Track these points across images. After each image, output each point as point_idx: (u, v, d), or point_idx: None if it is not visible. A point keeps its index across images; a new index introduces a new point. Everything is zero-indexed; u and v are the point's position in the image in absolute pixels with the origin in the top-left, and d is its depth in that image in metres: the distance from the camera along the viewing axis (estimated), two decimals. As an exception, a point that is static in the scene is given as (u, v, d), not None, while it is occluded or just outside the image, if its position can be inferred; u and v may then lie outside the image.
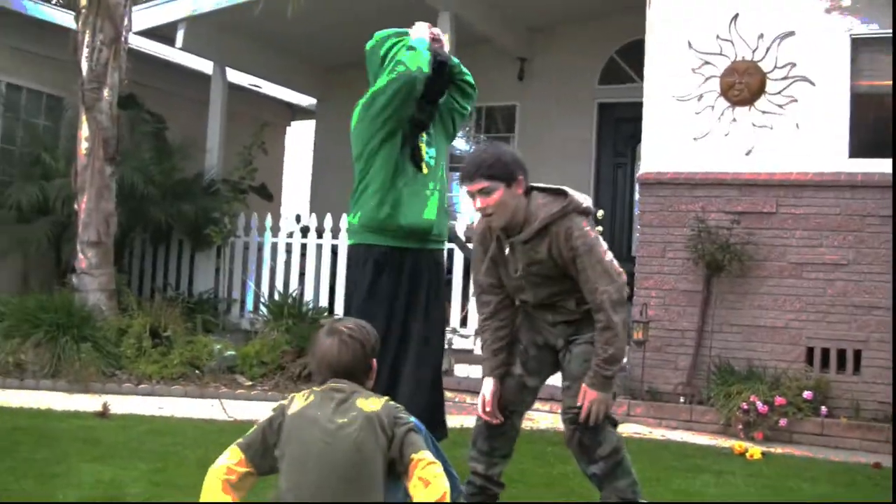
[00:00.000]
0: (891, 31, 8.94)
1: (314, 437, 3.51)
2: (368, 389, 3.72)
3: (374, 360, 3.80)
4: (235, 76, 14.87)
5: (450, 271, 10.72)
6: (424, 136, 5.51)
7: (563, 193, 4.73)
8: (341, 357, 3.69)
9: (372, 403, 3.59)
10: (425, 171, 5.43)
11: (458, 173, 7.92)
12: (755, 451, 7.59)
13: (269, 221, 12.28)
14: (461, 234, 10.66)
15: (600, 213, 12.88)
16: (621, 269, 4.68)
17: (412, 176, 5.36)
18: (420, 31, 5.44)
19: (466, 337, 10.68)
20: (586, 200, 4.75)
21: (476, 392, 8.76)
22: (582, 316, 4.78)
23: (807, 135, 9.22)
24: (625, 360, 4.74)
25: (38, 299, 10.00)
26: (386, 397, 3.70)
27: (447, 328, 10.12)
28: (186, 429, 7.45)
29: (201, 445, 6.63)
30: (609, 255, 4.65)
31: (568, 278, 4.71)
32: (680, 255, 9.48)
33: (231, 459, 3.60)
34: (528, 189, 4.75)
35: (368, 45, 5.63)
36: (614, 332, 4.58)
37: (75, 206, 10.63)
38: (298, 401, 3.64)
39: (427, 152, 5.47)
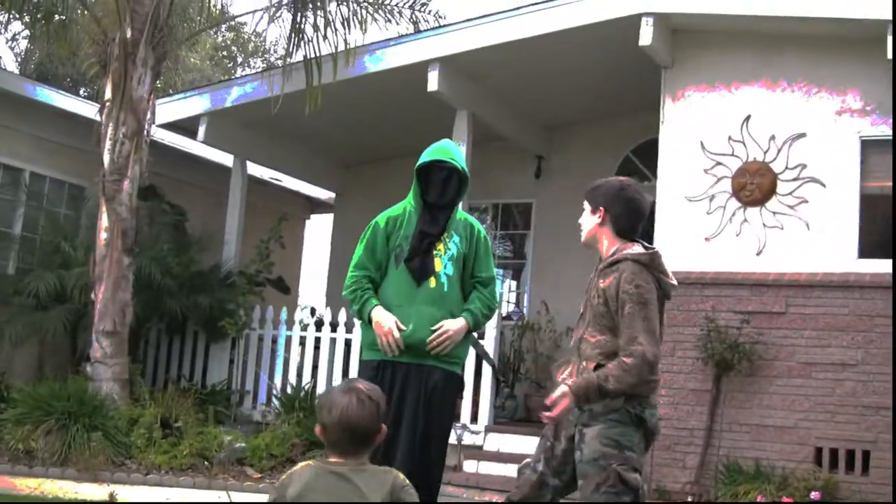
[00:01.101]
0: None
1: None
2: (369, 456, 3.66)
3: (384, 426, 3.67)
4: (256, 169, 15.07)
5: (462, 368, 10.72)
6: (443, 249, 5.54)
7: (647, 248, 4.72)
8: (361, 416, 3.56)
9: (373, 484, 3.53)
10: (432, 284, 5.46)
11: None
12: (761, 552, 7.55)
13: (283, 314, 12.36)
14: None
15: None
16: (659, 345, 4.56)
17: (411, 291, 5.40)
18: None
19: (476, 433, 10.67)
20: (654, 256, 4.66)
21: (485, 488, 8.74)
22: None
23: (817, 235, 9.29)
24: (619, 401, 4.52)
25: (50, 387, 10.04)
26: (388, 469, 3.67)
27: (457, 424, 10.14)
28: (192, 519, 7.45)
29: (204, 535, 6.64)
30: (657, 324, 4.56)
31: (610, 330, 4.61)
32: (690, 354, 9.50)
33: None
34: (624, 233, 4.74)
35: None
36: (636, 365, 4.42)
37: (92, 296, 10.73)
38: (297, 480, 3.55)
39: (444, 266, 5.50)
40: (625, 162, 13.57)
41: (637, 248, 4.65)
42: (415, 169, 5.59)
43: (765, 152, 9.65)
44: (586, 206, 4.85)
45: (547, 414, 4.57)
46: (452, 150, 5.70)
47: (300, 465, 3.63)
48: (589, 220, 4.82)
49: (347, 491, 3.50)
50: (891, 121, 9.15)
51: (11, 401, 10.23)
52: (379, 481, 3.54)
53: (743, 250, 9.59)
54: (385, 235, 5.55)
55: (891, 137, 9.16)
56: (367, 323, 5.45)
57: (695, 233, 9.78)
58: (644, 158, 12.90)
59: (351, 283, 5.56)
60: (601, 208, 4.75)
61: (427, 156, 5.59)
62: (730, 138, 9.83)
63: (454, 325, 5.39)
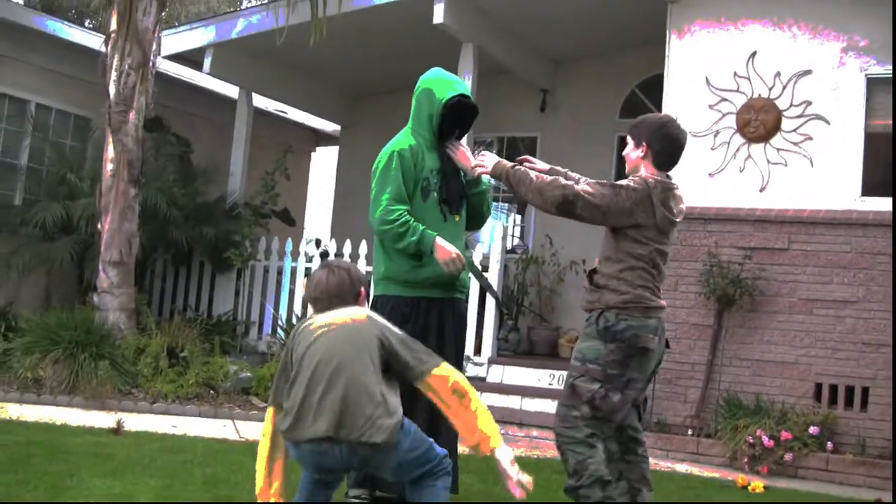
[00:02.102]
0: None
1: (316, 335, 4.40)
2: None
3: (363, 289, 4.65)
4: (261, 101, 15.07)
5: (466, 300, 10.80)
6: (462, 174, 5.62)
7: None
8: (329, 282, 4.57)
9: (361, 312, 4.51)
10: (457, 218, 5.50)
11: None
12: (758, 484, 7.65)
13: (289, 246, 12.42)
14: (477, 263, 10.75)
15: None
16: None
17: (438, 224, 5.43)
18: None
19: (480, 365, 10.77)
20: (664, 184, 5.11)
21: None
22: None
23: (820, 173, 9.32)
24: (523, 191, 5.14)
25: (58, 317, 10.14)
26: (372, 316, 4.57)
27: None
28: (197, 447, 7.55)
29: (210, 464, 6.74)
30: (608, 199, 4.95)
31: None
32: (692, 289, 9.57)
33: (268, 419, 4.54)
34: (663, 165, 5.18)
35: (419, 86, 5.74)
36: (554, 187, 4.99)
37: (98, 226, 10.79)
38: (302, 325, 4.54)
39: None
40: (630, 97, 13.55)
41: (660, 178, 5.05)
42: (444, 103, 5.54)
43: (770, 89, 9.64)
44: (629, 140, 5.20)
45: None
46: (461, 81, 5.74)
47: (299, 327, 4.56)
48: (633, 154, 5.17)
49: (342, 334, 4.38)
50: (897, 58, 9.15)
51: (19, 330, 10.36)
52: (370, 325, 4.43)
53: (746, 186, 9.61)
54: (412, 165, 5.50)
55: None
56: (429, 254, 5.37)
57: (698, 168, 9.79)
58: (649, 93, 12.86)
59: (396, 216, 5.41)
60: (644, 143, 5.11)
61: (450, 89, 5.57)
62: (735, 74, 9.81)
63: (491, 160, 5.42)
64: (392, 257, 5.41)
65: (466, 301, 5.64)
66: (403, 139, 5.63)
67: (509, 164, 5.23)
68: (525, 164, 5.55)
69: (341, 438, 4.18)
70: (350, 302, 4.57)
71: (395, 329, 4.50)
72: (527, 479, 4.20)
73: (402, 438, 4.26)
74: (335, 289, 4.55)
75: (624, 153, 5.29)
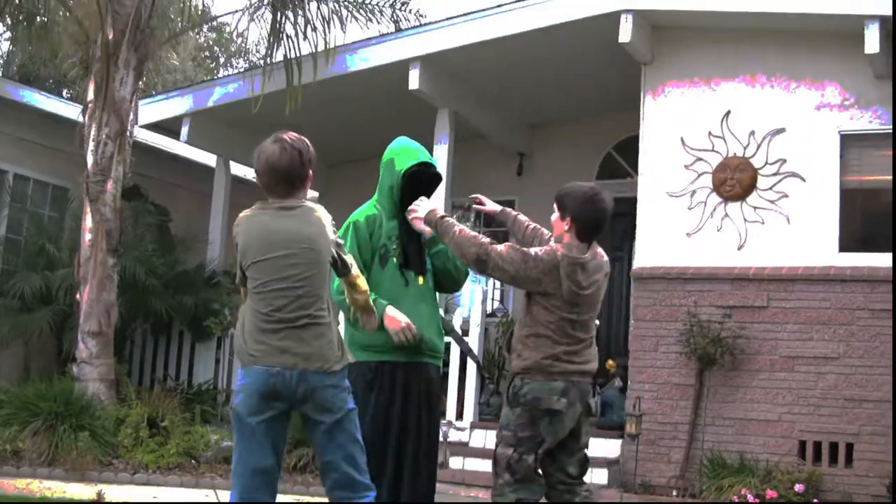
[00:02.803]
0: (879, 126, 9.14)
1: (275, 225, 4.38)
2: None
3: (311, 171, 4.56)
4: (239, 169, 15.08)
5: (446, 364, 10.77)
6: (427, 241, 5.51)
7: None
8: (281, 161, 4.42)
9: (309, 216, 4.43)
10: (420, 282, 5.39)
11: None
12: (745, 543, 7.61)
13: (268, 313, 12.35)
14: (457, 328, 10.72)
15: (596, 308, 12.97)
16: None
17: (400, 290, 5.32)
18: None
19: (462, 430, 10.72)
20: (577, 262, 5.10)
21: (471, 485, 8.80)
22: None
23: (797, 229, 9.38)
24: (446, 241, 5.25)
25: (37, 388, 10.06)
26: (318, 206, 4.53)
27: (443, 421, 10.18)
28: (179, 517, 7.48)
29: (193, 533, 6.68)
30: (518, 265, 5.04)
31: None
32: (673, 349, 9.57)
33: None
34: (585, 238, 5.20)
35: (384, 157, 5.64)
36: (476, 246, 5.09)
37: (77, 296, 10.75)
38: (246, 213, 4.47)
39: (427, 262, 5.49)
40: (606, 158, 13.63)
41: (573, 249, 5.09)
42: (403, 173, 5.50)
43: (745, 147, 9.73)
44: (556, 208, 5.23)
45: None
46: (424, 150, 5.69)
47: (241, 214, 4.48)
48: (558, 223, 5.22)
49: (285, 219, 4.36)
50: (871, 115, 9.26)
51: (-2, 402, 10.26)
52: (316, 213, 4.43)
53: (724, 245, 9.66)
54: (367, 234, 5.44)
55: (870, 131, 9.27)
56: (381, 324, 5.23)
57: (676, 228, 9.86)
58: (626, 154, 12.93)
59: None
60: (568, 216, 5.14)
61: (411, 158, 5.50)
62: (710, 134, 9.90)
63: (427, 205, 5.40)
64: (354, 323, 5.32)
65: (439, 365, 5.54)
66: (364, 209, 5.53)
67: (440, 213, 5.26)
68: (475, 204, 5.71)
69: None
70: (298, 184, 4.50)
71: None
72: None
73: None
74: (287, 168, 4.47)
75: (552, 219, 5.29)
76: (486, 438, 10.62)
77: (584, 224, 5.12)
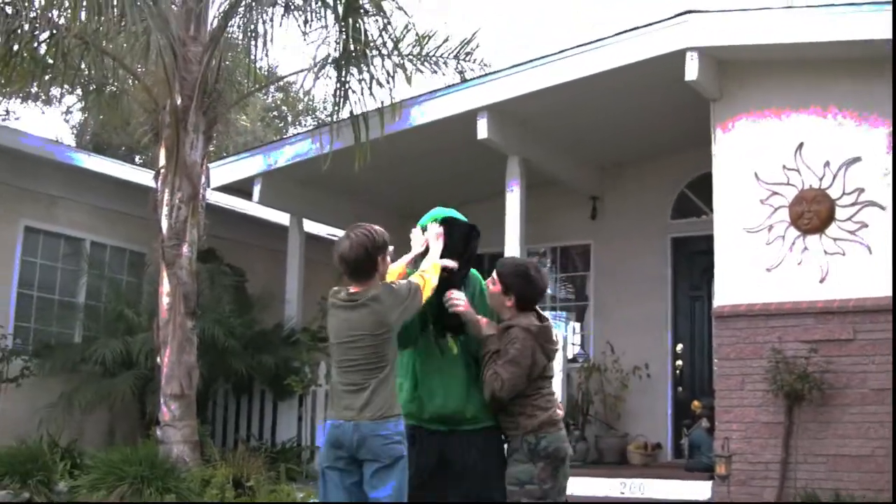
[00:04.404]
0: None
1: (344, 316, 4.95)
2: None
3: (380, 258, 4.99)
4: (313, 226, 15.16)
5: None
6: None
7: None
8: (349, 254, 4.92)
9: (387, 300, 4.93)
10: (455, 349, 5.28)
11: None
12: (846, 584, 7.42)
13: (348, 368, 12.35)
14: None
15: (679, 347, 12.85)
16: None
17: (436, 356, 5.25)
18: None
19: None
20: (542, 329, 5.40)
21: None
22: None
23: (880, 259, 9.19)
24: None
25: (122, 452, 10.12)
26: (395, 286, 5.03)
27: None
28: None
29: None
30: (518, 376, 5.24)
31: None
32: (759, 387, 9.40)
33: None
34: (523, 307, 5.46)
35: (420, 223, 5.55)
36: (499, 379, 5.22)
37: (158, 360, 10.82)
38: (330, 300, 5.07)
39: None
40: (680, 197, 13.53)
41: (530, 319, 5.34)
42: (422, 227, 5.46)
43: (820, 179, 9.59)
44: (495, 277, 5.45)
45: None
46: (449, 211, 5.55)
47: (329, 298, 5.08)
48: (496, 294, 5.44)
49: (351, 311, 4.94)
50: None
51: (84, 467, 10.33)
52: (392, 297, 4.93)
53: (806, 279, 9.50)
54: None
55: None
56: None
57: (756, 264, 9.72)
58: (699, 192, 12.83)
59: None
60: (507, 292, 5.38)
61: (429, 219, 5.48)
62: (784, 167, 9.78)
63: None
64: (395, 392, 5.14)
65: (482, 432, 5.39)
66: (398, 265, 5.48)
67: (486, 334, 5.37)
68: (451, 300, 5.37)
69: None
70: (367, 274, 4.97)
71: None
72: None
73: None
74: (353, 257, 4.93)
75: (490, 289, 5.46)
76: (573, 485, 10.45)
77: (522, 296, 5.39)
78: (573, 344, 14.54)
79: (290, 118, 30.30)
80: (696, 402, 11.17)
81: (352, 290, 5.00)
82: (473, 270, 5.57)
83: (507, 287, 5.38)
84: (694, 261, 13.53)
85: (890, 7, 8.93)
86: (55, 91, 18.83)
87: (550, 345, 5.41)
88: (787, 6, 10.04)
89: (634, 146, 13.37)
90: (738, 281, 9.83)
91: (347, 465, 4.87)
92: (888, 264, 9.13)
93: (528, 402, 5.31)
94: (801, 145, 9.72)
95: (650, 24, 10.31)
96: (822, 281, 9.43)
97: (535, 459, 5.22)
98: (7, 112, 24.67)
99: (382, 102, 11.61)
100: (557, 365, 10.66)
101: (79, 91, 14.13)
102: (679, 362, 13.12)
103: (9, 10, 10.67)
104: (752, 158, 9.97)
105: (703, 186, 12.12)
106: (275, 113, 30.01)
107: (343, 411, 4.88)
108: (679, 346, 13.14)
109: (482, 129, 11.29)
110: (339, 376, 4.99)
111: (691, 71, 9.88)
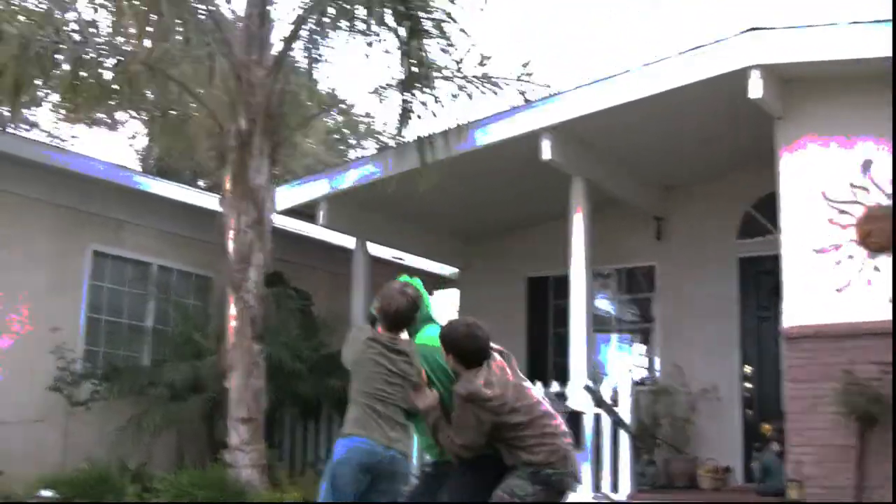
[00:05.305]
0: None
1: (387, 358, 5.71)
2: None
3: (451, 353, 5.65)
4: (377, 249, 15.18)
5: (599, 433, 10.71)
6: None
7: None
8: (407, 311, 5.76)
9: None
10: None
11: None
12: None
13: (412, 391, 12.35)
14: (606, 398, 10.58)
15: (748, 369, 12.70)
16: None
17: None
18: None
19: (619, 502, 10.49)
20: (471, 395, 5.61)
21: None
22: None
23: (951, 278, 9.03)
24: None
25: (191, 475, 10.21)
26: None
27: (599, 493, 10.05)
28: None
29: None
30: (468, 432, 5.63)
31: None
32: (830, 410, 9.23)
33: None
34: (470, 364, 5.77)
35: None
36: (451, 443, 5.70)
37: (226, 384, 10.89)
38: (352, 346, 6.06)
39: None
40: (745, 217, 13.38)
41: (470, 379, 5.61)
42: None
43: (889, 196, 9.44)
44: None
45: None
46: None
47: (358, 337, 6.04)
48: (447, 358, 5.78)
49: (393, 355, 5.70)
50: None
51: (154, 491, 10.42)
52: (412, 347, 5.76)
53: (876, 299, 9.34)
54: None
55: None
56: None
57: (824, 284, 9.59)
58: (765, 212, 12.66)
59: None
60: (449, 354, 5.75)
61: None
62: (851, 185, 9.65)
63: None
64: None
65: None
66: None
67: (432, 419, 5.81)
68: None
69: None
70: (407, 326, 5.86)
71: None
72: None
73: None
74: (405, 314, 5.81)
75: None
76: (640, 509, 10.41)
77: (463, 355, 5.70)
78: (640, 367, 14.44)
79: (352, 141, 30.41)
80: (765, 425, 11.03)
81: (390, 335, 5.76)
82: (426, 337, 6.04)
83: (447, 350, 5.74)
84: (761, 281, 13.36)
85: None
86: (120, 116, 19.10)
87: (484, 402, 5.54)
88: (853, 21, 9.89)
89: (699, 165, 13.25)
90: (806, 301, 9.71)
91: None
92: (961, 284, 8.98)
93: (538, 439, 5.59)
94: (868, 163, 9.59)
95: (715, 42, 10.22)
96: (892, 301, 9.28)
97: (535, 482, 5.52)
98: (73, 137, 25.01)
99: (446, 125, 11.63)
100: (625, 389, 10.64)
101: (144, 116, 14.28)
102: (748, 384, 12.97)
103: (76, 37, 10.85)
104: (818, 176, 9.85)
105: (769, 206, 11.98)
106: (337, 135, 30.12)
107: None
108: (748, 368, 12.99)
109: (546, 150, 11.24)
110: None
111: (755, 89, 9.78)
